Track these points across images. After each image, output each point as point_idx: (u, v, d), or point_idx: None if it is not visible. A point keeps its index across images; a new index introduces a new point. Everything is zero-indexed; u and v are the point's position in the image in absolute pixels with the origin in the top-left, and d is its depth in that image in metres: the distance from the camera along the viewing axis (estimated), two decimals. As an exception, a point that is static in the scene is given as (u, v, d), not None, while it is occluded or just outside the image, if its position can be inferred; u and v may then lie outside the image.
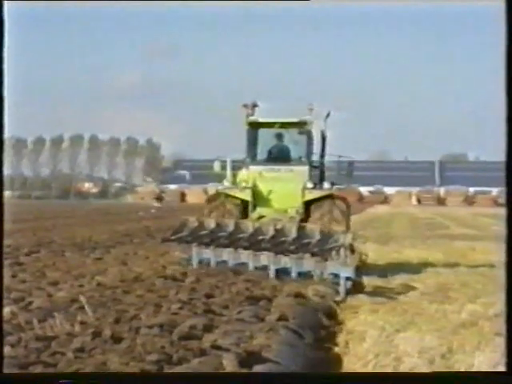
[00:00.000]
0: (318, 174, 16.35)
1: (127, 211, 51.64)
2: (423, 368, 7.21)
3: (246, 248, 13.62)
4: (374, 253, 17.85)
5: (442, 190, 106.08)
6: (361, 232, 25.67)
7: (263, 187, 15.91)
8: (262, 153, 16.46)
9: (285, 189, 15.83)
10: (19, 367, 6.32)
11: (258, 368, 6.53)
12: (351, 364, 7.53)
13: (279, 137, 16.48)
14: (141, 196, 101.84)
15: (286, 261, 13.14)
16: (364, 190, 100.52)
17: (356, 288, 12.44)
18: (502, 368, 6.43)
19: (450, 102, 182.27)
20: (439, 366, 7.30)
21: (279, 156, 16.29)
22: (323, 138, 16.37)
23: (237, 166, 16.45)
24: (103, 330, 7.70)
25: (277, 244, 13.53)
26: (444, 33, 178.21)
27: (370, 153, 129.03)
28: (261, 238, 13.84)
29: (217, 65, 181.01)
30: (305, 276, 12.81)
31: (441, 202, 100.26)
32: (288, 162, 16.20)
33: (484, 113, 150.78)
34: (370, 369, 7.30)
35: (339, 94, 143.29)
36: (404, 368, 7.24)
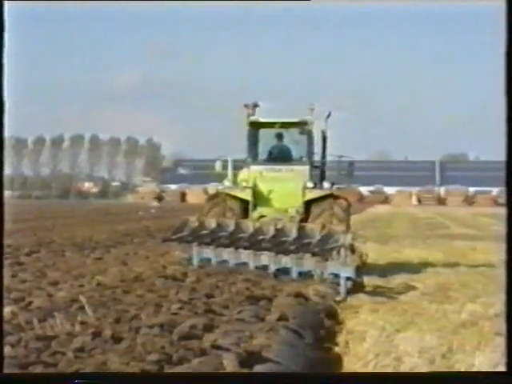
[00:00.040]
0: (319, 173, 16.36)
1: (127, 211, 51.65)
2: (423, 368, 7.21)
3: (246, 248, 13.63)
4: (374, 252, 17.85)
5: (442, 190, 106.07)
6: (361, 232, 25.67)
7: (264, 187, 15.92)
8: (262, 153, 16.48)
9: (285, 188, 15.84)
10: (19, 367, 6.32)
11: (258, 368, 6.53)
12: (351, 364, 7.53)
13: (280, 137, 16.50)
14: (141, 196, 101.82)
15: (286, 261, 13.15)
16: (364, 189, 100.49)
17: (356, 287, 12.44)
18: (502, 368, 6.43)
19: (450, 102, 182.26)
20: (439, 366, 7.30)
21: (280, 156, 16.30)
22: (324, 138, 16.39)
23: (238, 166, 16.46)
24: (103, 329, 7.70)
25: (277, 244, 13.54)
26: (444, 33, 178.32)
27: (370, 153, 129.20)
28: (261, 237, 13.86)
29: (217, 65, 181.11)
30: (305, 276, 12.82)
31: (441, 201, 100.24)
32: (289, 162, 16.21)
33: (484, 113, 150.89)
34: (370, 369, 7.30)
35: (339, 93, 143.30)
36: (404, 368, 7.24)
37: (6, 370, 6.03)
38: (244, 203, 15.76)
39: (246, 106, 16.13)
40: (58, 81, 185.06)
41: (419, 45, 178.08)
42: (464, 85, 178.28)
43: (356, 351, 7.99)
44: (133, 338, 7.37)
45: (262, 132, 16.50)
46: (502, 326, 6.04)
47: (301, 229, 13.78)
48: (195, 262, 13.89)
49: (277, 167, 16.08)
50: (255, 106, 16.16)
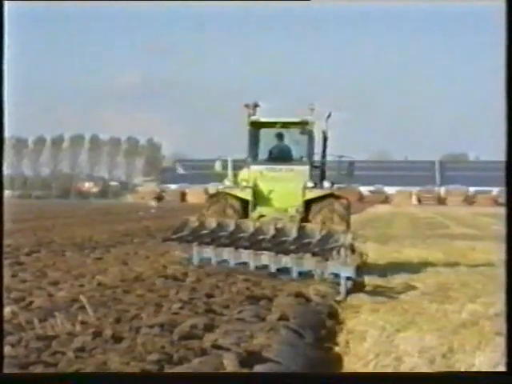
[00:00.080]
0: (319, 173, 16.38)
1: (127, 211, 51.65)
2: (424, 368, 7.21)
3: (246, 247, 13.63)
4: (374, 252, 17.85)
5: (442, 190, 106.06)
6: (361, 231, 25.67)
7: (264, 187, 15.93)
8: (263, 152, 16.49)
9: (285, 188, 15.85)
10: (19, 367, 6.32)
11: (258, 368, 6.53)
12: (352, 364, 7.53)
13: (280, 137, 16.52)
14: (141, 196, 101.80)
15: (286, 260, 13.16)
16: (364, 189, 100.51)
17: (356, 287, 12.44)
18: (502, 368, 6.43)
19: (450, 101, 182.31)
20: (440, 366, 7.29)
21: (280, 156, 16.32)
22: (324, 138, 16.41)
23: (238, 166, 16.47)
24: (104, 329, 7.71)
25: (277, 244, 13.55)
26: (444, 33, 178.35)
27: (370, 152, 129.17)
28: (261, 237, 13.86)
29: (217, 65, 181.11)
30: (305, 276, 12.82)
31: (441, 201, 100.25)
32: (289, 162, 16.22)
33: (484, 113, 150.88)
34: (370, 369, 7.30)
35: (339, 93, 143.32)
36: (404, 368, 7.24)
37: (6, 370, 6.03)
38: (244, 203, 15.77)
39: (247, 105, 16.15)
40: (57, 81, 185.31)
41: (419, 45, 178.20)
42: (464, 85, 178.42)
43: (356, 351, 7.99)
44: (133, 338, 7.38)
45: (263, 132, 16.51)
46: (502, 326, 6.04)
47: (301, 229, 13.79)
48: (195, 261, 13.90)
49: (277, 167, 16.09)
50: (256, 105, 16.18)
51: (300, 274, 12.92)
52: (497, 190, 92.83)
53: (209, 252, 13.92)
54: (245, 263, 13.50)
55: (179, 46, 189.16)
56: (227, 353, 6.81)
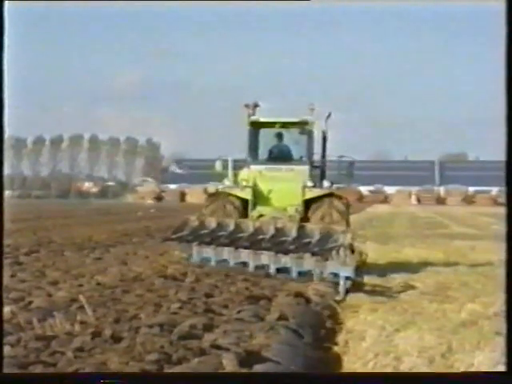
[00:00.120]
0: (319, 173, 16.40)
1: (127, 211, 51.64)
2: (423, 367, 7.21)
3: (246, 247, 13.64)
4: (373, 252, 17.85)
5: (441, 190, 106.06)
6: (361, 231, 25.69)
7: (263, 186, 15.96)
8: (263, 152, 16.54)
9: (285, 188, 15.87)
10: (19, 367, 6.32)
11: (257, 368, 6.53)
12: (351, 363, 7.54)
13: (280, 136, 16.56)
14: (140, 196, 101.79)
15: (286, 260, 13.16)
16: (364, 189, 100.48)
17: (356, 287, 12.45)
18: (501, 368, 6.44)
19: (450, 101, 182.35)
20: (439, 366, 7.30)
21: (280, 156, 16.36)
22: (324, 138, 16.43)
23: (238, 166, 16.50)
24: (103, 329, 7.71)
25: (277, 243, 13.56)
26: (444, 33, 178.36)
27: (370, 152, 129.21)
28: (261, 237, 13.87)
29: (217, 65, 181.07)
30: (305, 275, 12.83)
31: (441, 201, 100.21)
32: (289, 162, 16.26)
33: (484, 113, 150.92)
34: (369, 368, 7.30)
35: (339, 93, 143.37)
36: (404, 367, 7.24)
37: (6, 370, 6.03)
38: (244, 202, 15.80)
39: (247, 105, 16.19)
40: (57, 81, 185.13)
41: (419, 44, 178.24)
42: (464, 85, 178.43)
43: (355, 351, 7.99)
44: (132, 338, 7.38)
45: (263, 132, 16.55)
46: (502, 326, 6.04)
47: (300, 228, 13.80)
48: (195, 261, 13.90)
49: (277, 167, 16.12)
50: (256, 105, 16.22)
51: (299, 273, 12.93)
52: (496, 190, 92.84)
53: (208, 252, 13.93)
54: (244, 263, 13.52)
55: (179, 45, 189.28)
56: (226, 353, 6.81)
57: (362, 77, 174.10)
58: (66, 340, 7.31)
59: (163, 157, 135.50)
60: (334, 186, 16.48)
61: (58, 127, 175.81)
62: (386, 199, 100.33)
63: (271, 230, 13.90)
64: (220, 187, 16.49)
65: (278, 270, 13.16)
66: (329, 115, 16.12)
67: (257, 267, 13.32)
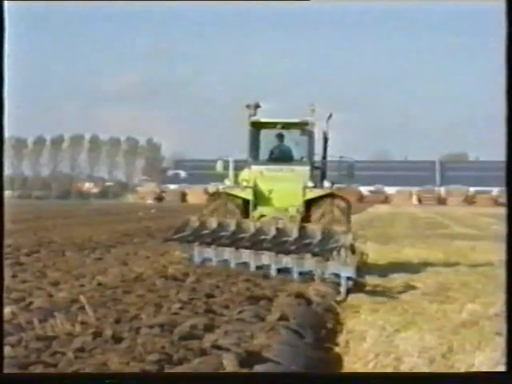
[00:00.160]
0: (320, 174, 16.42)
1: (127, 211, 51.64)
2: (423, 368, 7.21)
3: (247, 248, 13.64)
4: (374, 252, 17.86)
5: (442, 190, 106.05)
6: (361, 232, 25.68)
7: (264, 186, 15.98)
8: (264, 153, 16.55)
9: (286, 188, 15.89)
10: (19, 367, 6.32)
11: (258, 368, 6.53)
12: (351, 364, 7.54)
13: (281, 137, 16.58)
14: (140, 196, 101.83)
15: (287, 260, 13.16)
16: (364, 189, 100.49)
17: (356, 287, 12.44)
18: (502, 368, 6.43)
19: (450, 101, 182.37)
20: (439, 366, 7.30)
21: (281, 156, 16.38)
22: (325, 139, 16.46)
23: (240, 166, 16.52)
24: (104, 329, 7.70)
25: (278, 244, 13.56)
26: (444, 33, 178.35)
27: (370, 152, 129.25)
28: (262, 237, 13.88)
29: (217, 65, 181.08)
30: (306, 276, 12.82)
31: (441, 201, 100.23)
32: (289, 163, 16.27)
33: (484, 113, 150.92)
34: (370, 368, 7.30)
35: (339, 93, 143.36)
36: (404, 368, 7.24)
37: (6, 370, 6.03)
38: (245, 203, 15.81)
39: (248, 106, 16.21)
40: (57, 81, 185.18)
41: (419, 45, 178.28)
42: (464, 85, 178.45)
43: (356, 351, 7.99)
44: (133, 338, 7.37)
45: (264, 132, 16.57)
46: (502, 326, 6.04)
47: (301, 229, 13.80)
48: (196, 261, 13.90)
49: (278, 167, 16.15)
50: (257, 106, 16.25)
51: (300, 274, 12.93)
52: (497, 190, 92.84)
53: (210, 252, 13.94)
54: (246, 263, 13.52)
55: (179, 46, 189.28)
56: (227, 353, 6.81)
57: (361, 77, 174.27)
58: (66, 340, 7.31)
59: (164, 157, 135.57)
60: (335, 186, 16.49)
61: (58, 127, 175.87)
62: (386, 199, 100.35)
63: (272, 231, 13.91)
64: (221, 187, 16.50)
65: (279, 271, 13.16)
66: (330, 116, 16.14)
67: (258, 267, 13.32)
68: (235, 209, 15.71)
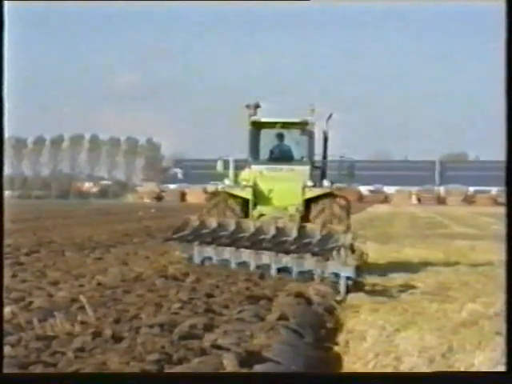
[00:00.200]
0: (320, 174, 16.43)
1: (127, 211, 51.64)
2: (423, 367, 7.21)
3: (247, 247, 13.65)
4: (374, 252, 17.85)
5: (442, 190, 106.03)
6: (361, 231, 25.68)
7: (264, 186, 15.99)
8: (264, 152, 16.57)
9: (285, 187, 15.91)
10: (19, 367, 6.31)
11: (258, 368, 6.53)
12: (351, 364, 7.54)
13: (281, 137, 16.60)
14: (140, 196, 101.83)
15: (287, 260, 13.17)
16: (364, 189, 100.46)
17: (356, 287, 12.45)
18: (502, 368, 6.43)
19: (450, 101, 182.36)
20: (439, 366, 7.29)
21: (281, 156, 16.41)
22: (325, 139, 16.47)
23: (240, 166, 16.54)
24: (103, 329, 7.70)
25: (278, 243, 13.57)
26: (444, 32, 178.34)
27: (370, 152, 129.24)
28: (262, 237, 13.89)
29: (217, 65, 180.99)
30: (306, 275, 12.82)
31: (441, 201, 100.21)
32: (289, 162, 16.29)
33: (484, 112, 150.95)
34: (370, 368, 7.30)
35: (339, 93, 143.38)
36: (404, 367, 7.24)
37: (6, 370, 6.03)
38: (244, 202, 15.82)
39: (248, 106, 16.22)
40: (57, 81, 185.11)
41: (419, 44, 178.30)
42: (464, 85, 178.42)
43: (356, 351, 7.99)
44: (133, 338, 7.37)
45: (264, 132, 16.59)
46: (502, 326, 6.04)
47: (301, 228, 13.81)
48: (197, 261, 13.91)
49: (278, 167, 16.16)
50: (257, 106, 16.27)
51: (300, 273, 12.93)
52: (496, 190, 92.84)
53: (210, 251, 13.94)
54: (245, 263, 13.52)
55: (179, 45, 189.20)
56: (227, 353, 6.81)
57: (361, 77, 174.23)
58: (66, 340, 7.31)
59: (163, 157, 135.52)
60: (335, 185, 16.49)
61: (58, 127, 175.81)
62: (386, 199, 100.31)
63: (272, 230, 13.91)
64: (220, 187, 16.51)
65: (279, 270, 13.16)
66: (330, 116, 16.16)
67: (258, 267, 13.33)
68: (235, 208, 15.72)
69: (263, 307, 9.64)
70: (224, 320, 8.60)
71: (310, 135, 16.21)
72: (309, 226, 14.09)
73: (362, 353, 7.81)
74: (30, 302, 9.48)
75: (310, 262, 12.91)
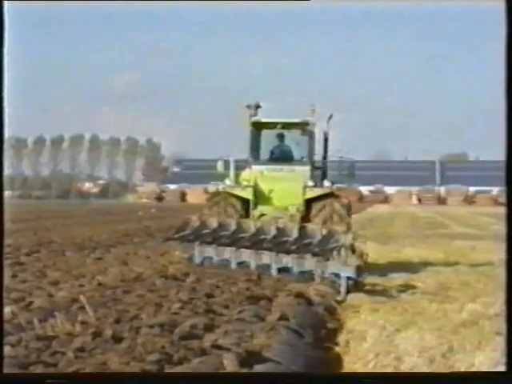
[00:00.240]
0: (320, 174, 16.44)
1: (127, 211, 51.63)
2: (423, 367, 7.21)
3: (247, 247, 13.65)
4: (374, 252, 17.86)
5: (442, 190, 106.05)
6: (361, 231, 25.68)
7: (265, 186, 16.00)
8: (264, 153, 16.58)
9: (286, 187, 15.92)
10: (19, 367, 6.32)
11: (258, 368, 6.53)
12: (351, 363, 7.53)
13: (281, 137, 16.61)
14: (140, 196, 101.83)
15: (287, 260, 13.17)
16: (364, 189, 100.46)
17: (357, 287, 12.45)
18: (502, 368, 6.43)
19: (450, 101, 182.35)
20: (439, 366, 7.29)
21: (281, 156, 16.42)
22: (325, 139, 16.49)
23: (241, 166, 16.55)
24: (104, 329, 7.70)
25: (278, 244, 13.58)
26: (444, 32, 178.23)
27: (370, 152, 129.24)
28: (263, 237, 13.90)
29: (217, 65, 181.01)
30: (306, 275, 12.83)
31: (441, 201, 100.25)
32: (290, 162, 16.30)
33: (484, 112, 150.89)
34: (370, 368, 7.30)
35: (339, 93, 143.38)
36: (404, 367, 7.24)
37: (6, 370, 6.03)
38: (245, 202, 15.83)
39: (249, 106, 16.24)
40: (57, 81, 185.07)
41: (419, 44, 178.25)
42: (464, 85, 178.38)
43: (356, 351, 7.99)
44: (133, 338, 7.37)
45: (264, 132, 16.60)
46: (502, 326, 6.04)
47: (302, 229, 13.82)
48: (197, 261, 13.91)
49: (278, 167, 16.18)
50: (257, 106, 16.29)
51: (300, 273, 12.93)
52: (497, 190, 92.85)
53: (210, 251, 13.94)
54: (246, 263, 13.52)
55: (179, 45, 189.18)
56: (227, 353, 6.81)
57: (361, 77, 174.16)
58: (66, 340, 7.31)
59: (163, 157, 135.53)
60: (335, 186, 16.51)
61: (58, 127, 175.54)
62: (386, 199, 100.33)
63: (272, 230, 13.92)
64: (221, 187, 16.52)
65: (280, 270, 13.17)
66: (330, 116, 16.18)
67: (258, 267, 13.33)
68: (235, 208, 15.73)
69: (263, 307, 9.64)
70: (224, 320, 8.60)
71: (311, 135, 16.23)
72: (309, 226, 14.09)
73: (362, 353, 7.81)
74: (30, 302, 9.48)
75: (310, 262, 12.91)
